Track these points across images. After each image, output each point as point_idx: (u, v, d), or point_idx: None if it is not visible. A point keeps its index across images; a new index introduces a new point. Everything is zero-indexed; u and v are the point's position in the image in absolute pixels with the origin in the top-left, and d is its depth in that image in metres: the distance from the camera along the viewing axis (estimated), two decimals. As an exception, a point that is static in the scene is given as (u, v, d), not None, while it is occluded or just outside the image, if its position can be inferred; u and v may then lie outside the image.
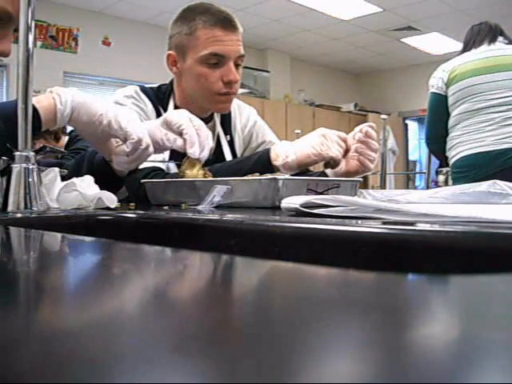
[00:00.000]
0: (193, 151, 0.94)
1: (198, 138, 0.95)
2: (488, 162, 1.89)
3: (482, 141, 1.92)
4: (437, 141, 2.12)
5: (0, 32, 0.84)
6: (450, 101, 2.02)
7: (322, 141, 1.03)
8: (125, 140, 0.90)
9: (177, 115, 0.98)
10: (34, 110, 0.79)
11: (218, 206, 0.80)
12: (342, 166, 1.06)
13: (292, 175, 1.03)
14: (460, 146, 1.99)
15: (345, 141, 1.05)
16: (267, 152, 1.07)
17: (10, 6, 0.77)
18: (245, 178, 0.84)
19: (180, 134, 0.96)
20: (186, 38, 1.19)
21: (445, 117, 2.05)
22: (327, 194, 0.84)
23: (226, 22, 1.17)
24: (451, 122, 2.04)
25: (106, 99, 0.96)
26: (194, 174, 0.95)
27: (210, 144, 0.99)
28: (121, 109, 0.94)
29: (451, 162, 2.06)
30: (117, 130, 0.88)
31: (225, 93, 1.20)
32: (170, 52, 1.24)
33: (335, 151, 1.02)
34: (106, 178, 0.81)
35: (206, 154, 0.97)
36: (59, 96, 0.85)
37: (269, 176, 0.83)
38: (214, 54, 1.16)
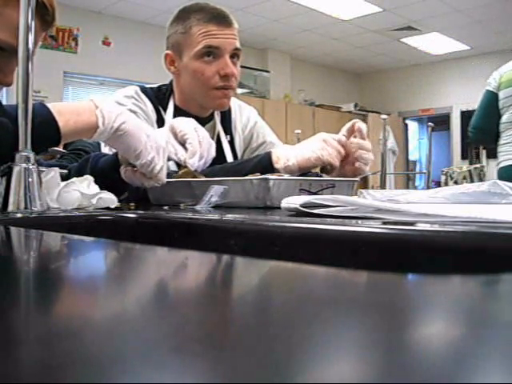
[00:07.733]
0: (192, 162, 0.95)
1: (199, 148, 0.95)
2: None
3: None
4: (481, 132, 2.15)
5: (4, 63, 0.83)
6: (500, 104, 2.08)
7: (322, 145, 1.03)
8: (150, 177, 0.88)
9: (183, 123, 0.99)
10: (54, 121, 0.77)
11: (215, 206, 0.80)
12: (337, 171, 1.05)
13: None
14: (503, 154, 2.06)
15: (344, 146, 1.05)
16: (268, 154, 1.07)
17: (14, 39, 0.76)
18: (237, 178, 0.84)
19: (183, 142, 0.96)
20: (182, 37, 1.19)
21: (495, 113, 2.09)
22: (321, 194, 0.84)
23: (220, 18, 1.18)
24: (501, 127, 2.09)
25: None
26: None
27: (211, 154, 1.00)
28: (161, 142, 0.88)
29: (497, 167, 2.12)
30: (147, 172, 0.85)
31: (222, 86, 1.20)
32: (168, 52, 1.24)
33: (334, 158, 1.02)
34: (108, 184, 0.81)
35: (201, 164, 0.98)
36: (103, 117, 0.80)
37: (259, 176, 0.83)
38: (209, 46, 1.16)
